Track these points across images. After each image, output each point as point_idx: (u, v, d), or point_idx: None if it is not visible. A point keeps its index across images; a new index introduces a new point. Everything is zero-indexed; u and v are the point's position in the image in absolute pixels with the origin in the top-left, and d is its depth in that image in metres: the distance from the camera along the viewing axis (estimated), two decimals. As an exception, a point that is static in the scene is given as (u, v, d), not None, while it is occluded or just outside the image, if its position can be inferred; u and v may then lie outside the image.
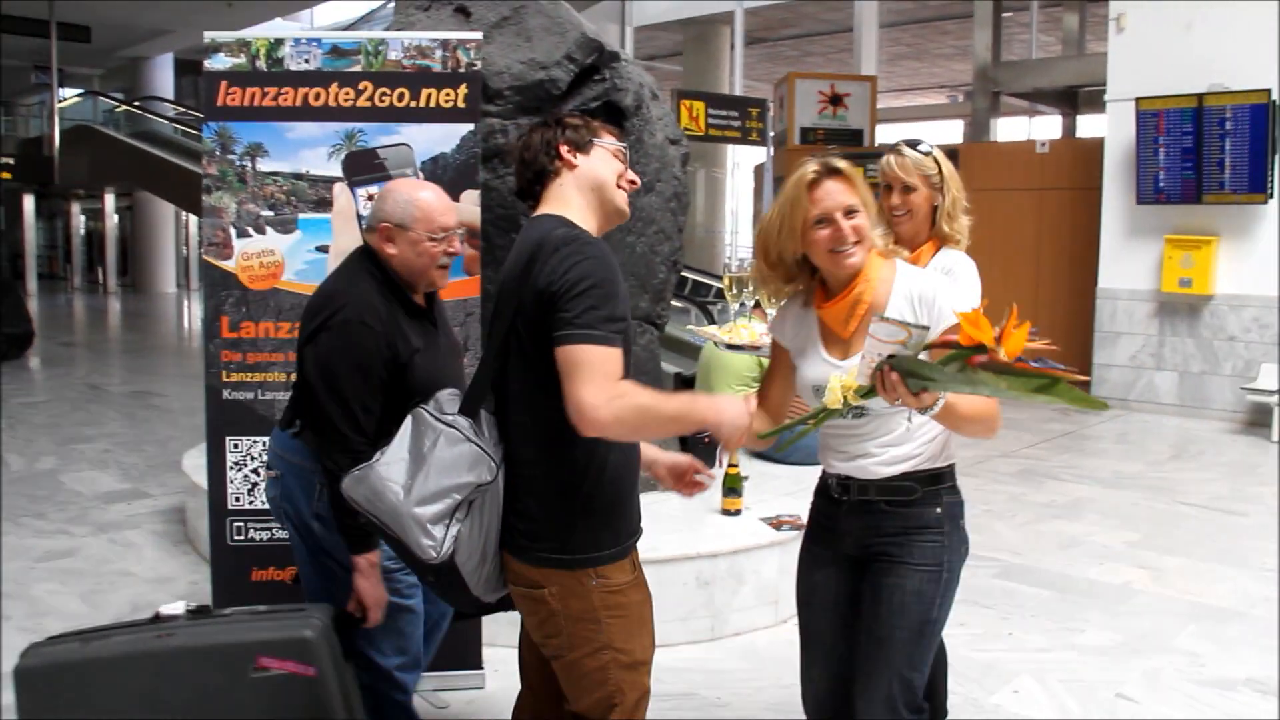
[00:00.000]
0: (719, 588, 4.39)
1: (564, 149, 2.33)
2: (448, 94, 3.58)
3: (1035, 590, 5.06)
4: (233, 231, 3.55)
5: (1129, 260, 10.30)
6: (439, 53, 3.57)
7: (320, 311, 2.78)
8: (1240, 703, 3.89)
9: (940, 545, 2.50)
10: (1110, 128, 10.46)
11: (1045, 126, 18.87)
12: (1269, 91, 9.29)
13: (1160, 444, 8.77)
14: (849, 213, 2.39)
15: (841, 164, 2.42)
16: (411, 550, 2.27)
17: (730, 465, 4.83)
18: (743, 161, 26.72)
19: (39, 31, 20.18)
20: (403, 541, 2.28)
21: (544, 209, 2.35)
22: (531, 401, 2.28)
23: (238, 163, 3.53)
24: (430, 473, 2.27)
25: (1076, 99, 15.08)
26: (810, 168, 2.42)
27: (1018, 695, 3.94)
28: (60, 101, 25.72)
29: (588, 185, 2.33)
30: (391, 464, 2.33)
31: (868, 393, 2.24)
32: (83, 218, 31.06)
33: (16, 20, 19.70)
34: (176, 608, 2.63)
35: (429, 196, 2.87)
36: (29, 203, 27.30)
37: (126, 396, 10.90)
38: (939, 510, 2.51)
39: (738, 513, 4.82)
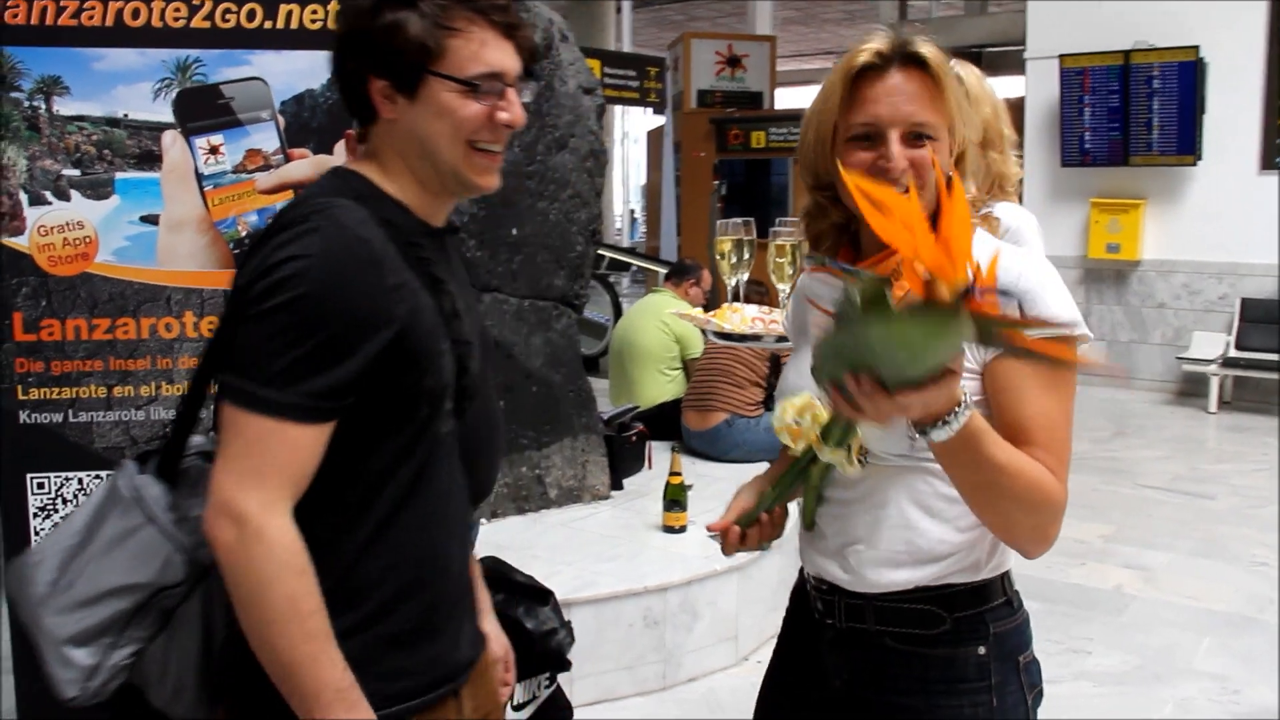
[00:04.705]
0: (670, 626, 3.62)
1: (377, 90, 1.40)
2: (314, 11, 2.69)
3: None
4: (23, 197, 2.62)
5: (1053, 225, 9.75)
6: (302, -43, 2.69)
7: None
8: (1292, 741, 3.31)
9: (986, 706, 1.51)
10: (1030, 87, 9.94)
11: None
12: (1197, 49, 8.84)
13: (1098, 418, 8.28)
14: (913, 135, 1.43)
15: (930, 50, 1.43)
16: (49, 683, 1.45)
17: (672, 474, 4.07)
18: (632, 130, 26.04)
19: None
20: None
21: (356, 158, 1.51)
22: None
23: (26, 103, 2.59)
24: (88, 563, 1.43)
25: (980, 60, 14.64)
26: (872, 46, 1.45)
27: (1041, 748, 3.27)
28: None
29: (410, 143, 1.42)
30: (52, 542, 1.48)
31: (844, 430, 1.39)
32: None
33: None
34: None
35: None
36: None
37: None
38: (982, 650, 1.51)
39: (683, 529, 4.04)
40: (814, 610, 1.61)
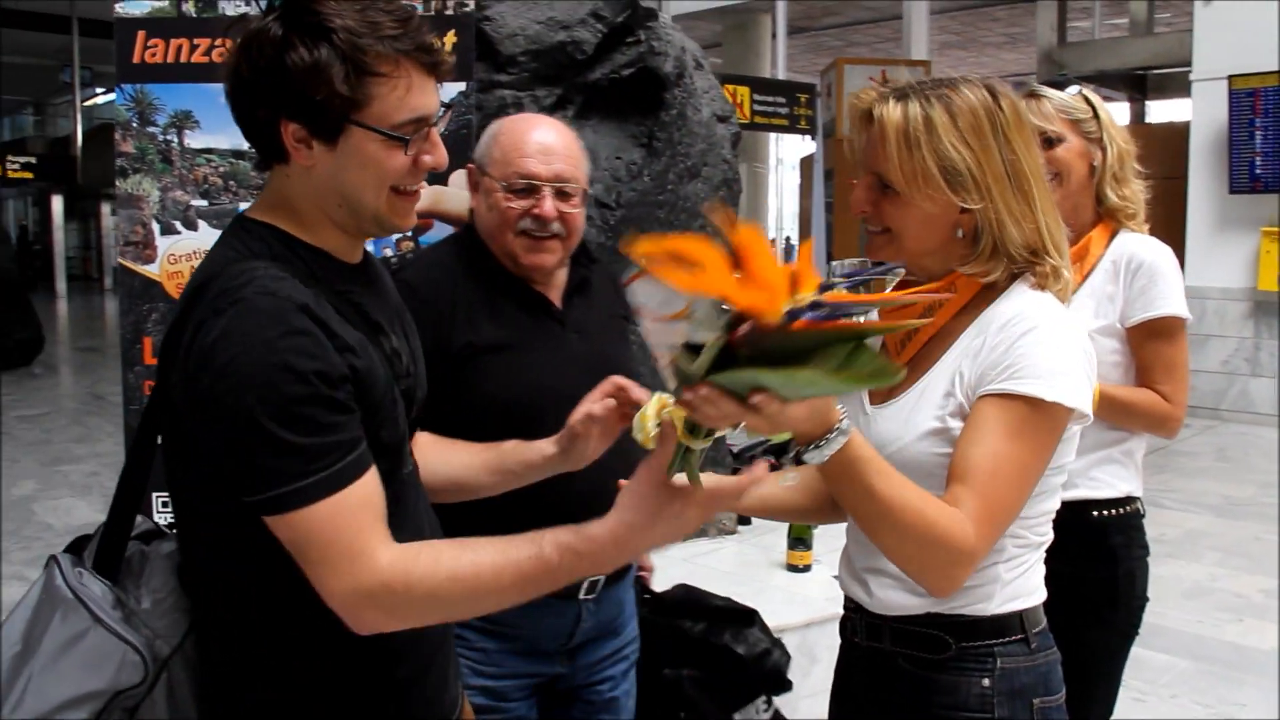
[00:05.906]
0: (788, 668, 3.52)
1: (290, 134, 1.31)
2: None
3: (1169, 658, 4.16)
4: (155, 227, 2.73)
5: (1220, 255, 9.30)
6: (424, -8, 2.74)
7: None
8: None
9: None
10: (1197, 110, 9.49)
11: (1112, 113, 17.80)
12: (1382, 66, 8.31)
13: (1266, 461, 7.79)
14: (880, 183, 1.52)
15: (889, 110, 1.48)
16: None
17: (796, 509, 3.97)
18: (785, 157, 25.92)
19: (61, 28, 19.70)
20: None
21: (257, 203, 1.42)
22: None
23: (160, 137, 2.71)
24: (35, 676, 1.29)
25: (1145, 83, 14.06)
26: (873, 95, 1.52)
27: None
28: (89, 100, 25.37)
29: (328, 190, 1.34)
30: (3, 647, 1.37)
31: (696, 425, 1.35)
32: (114, 218, 30.51)
33: (38, 17, 19.21)
34: None
35: (518, 127, 2.02)
36: (57, 203, 26.68)
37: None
38: (986, 682, 1.49)
39: (807, 568, 3.95)
40: (845, 629, 1.68)
